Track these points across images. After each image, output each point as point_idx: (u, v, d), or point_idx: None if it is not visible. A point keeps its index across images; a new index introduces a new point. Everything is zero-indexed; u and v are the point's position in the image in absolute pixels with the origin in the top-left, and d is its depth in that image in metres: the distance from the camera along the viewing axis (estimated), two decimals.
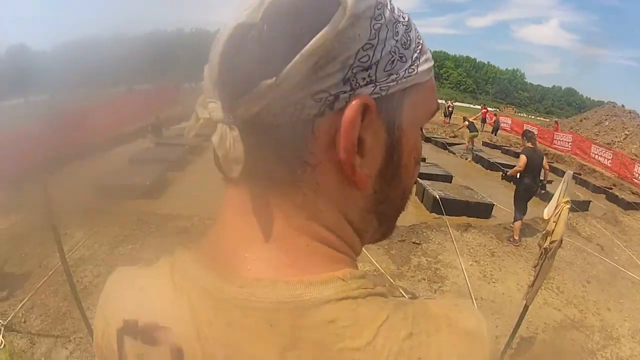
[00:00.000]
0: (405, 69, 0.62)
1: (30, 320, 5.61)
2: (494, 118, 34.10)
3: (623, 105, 37.02)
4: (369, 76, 0.58)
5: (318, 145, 0.59)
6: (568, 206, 5.08)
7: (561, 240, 4.98)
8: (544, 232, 5.22)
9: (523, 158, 9.54)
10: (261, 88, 0.55)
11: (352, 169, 0.60)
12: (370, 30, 0.58)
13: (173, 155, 14.64)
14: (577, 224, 11.84)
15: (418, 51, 0.66)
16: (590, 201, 14.56)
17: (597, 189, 18.11)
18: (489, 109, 39.36)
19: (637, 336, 6.77)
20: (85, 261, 6.99)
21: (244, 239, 0.64)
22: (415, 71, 0.64)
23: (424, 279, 7.57)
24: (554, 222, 5.03)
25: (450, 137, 29.18)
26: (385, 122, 0.63)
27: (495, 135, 31.90)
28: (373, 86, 0.58)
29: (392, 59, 0.60)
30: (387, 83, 0.60)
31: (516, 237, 9.79)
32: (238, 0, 0.60)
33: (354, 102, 0.57)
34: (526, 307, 5.26)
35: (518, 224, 9.88)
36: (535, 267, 5.31)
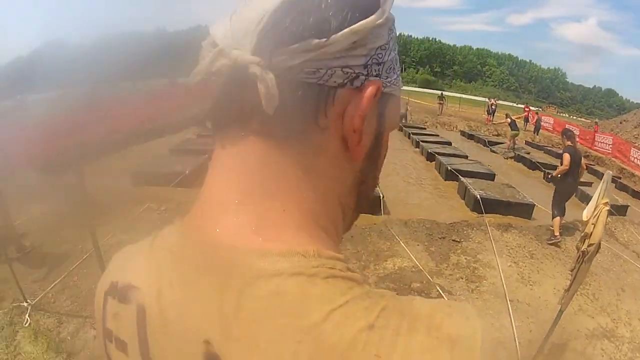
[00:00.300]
0: (395, 78, 0.71)
1: (60, 301, 5.80)
2: (536, 117, 33.54)
3: None
4: (379, 70, 0.67)
5: (333, 112, 0.65)
6: (607, 208, 5.01)
7: (599, 244, 4.90)
8: (582, 234, 5.16)
9: (567, 157, 9.49)
10: (309, 44, 0.60)
11: (359, 137, 0.67)
12: (388, 36, 0.68)
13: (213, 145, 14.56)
14: (615, 228, 11.62)
15: (399, 69, 0.75)
16: (628, 206, 14.26)
17: (636, 194, 17.84)
18: (531, 108, 39.05)
19: None
20: (123, 245, 6.75)
21: (222, 201, 0.68)
22: (399, 83, 0.74)
23: (462, 278, 7.59)
24: (592, 224, 4.96)
25: (493, 135, 29.25)
26: (378, 112, 0.71)
27: (537, 134, 31.56)
28: (379, 80, 0.67)
29: (392, 65, 0.70)
30: (386, 82, 0.69)
31: (557, 234, 9.75)
32: None
33: (375, 82, 0.66)
34: (560, 312, 5.22)
35: (557, 220, 9.84)
36: (572, 270, 5.25)
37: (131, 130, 16.36)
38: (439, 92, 43.06)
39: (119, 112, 17.46)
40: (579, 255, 5.07)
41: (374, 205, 10.17)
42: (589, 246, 4.88)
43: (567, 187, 9.96)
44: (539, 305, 6.97)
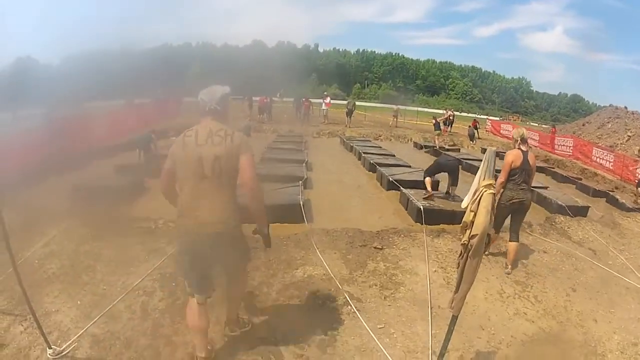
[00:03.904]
0: None
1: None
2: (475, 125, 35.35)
3: (625, 107, 36.59)
4: None
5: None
6: (490, 191, 4.01)
7: (486, 235, 4.04)
8: (461, 224, 4.18)
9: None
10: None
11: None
12: None
13: (157, 164, 14.48)
14: (568, 227, 11.18)
15: None
16: (589, 207, 13.73)
17: (597, 193, 17.68)
18: (477, 118, 41.74)
19: (628, 351, 5.92)
20: (54, 255, 7.39)
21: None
22: None
23: (376, 285, 6.96)
24: (472, 211, 4.04)
25: (449, 145, 29.44)
26: None
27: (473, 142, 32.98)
28: None
29: None
30: None
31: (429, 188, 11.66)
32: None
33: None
34: (454, 318, 4.44)
35: (428, 179, 11.82)
36: (457, 268, 4.31)
37: (84, 149, 17.21)
38: (395, 107, 42.82)
39: (72, 131, 18.32)
40: (461, 250, 4.21)
41: (292, 214, 9.90)
42: (471, 238, 4.02)
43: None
44: (464, 311, 6.02)
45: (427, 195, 11.48)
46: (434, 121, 30.07)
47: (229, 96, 4.47)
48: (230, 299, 5.19)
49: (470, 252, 3.94)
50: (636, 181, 18.65)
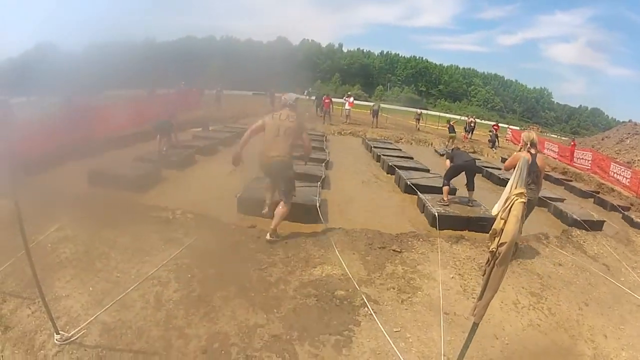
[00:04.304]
0: None
1: (8, 283, 6.05)
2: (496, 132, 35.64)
3: None
4: None
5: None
6: (522, 200, 4.03)
7: (515, 244, 4.17)
8: (490, 231, 4.24)
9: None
10: None
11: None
12: None
13: (178, 156, 15.22)
14: (584, 241, 11.10)
15: None
16: (604, 221, 13.70)
17: (614, 208, 17.60)
18: (500, 125, 41.00)
19: None
20: (68, 240, 7.39)
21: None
22: None
23: (394, 288, 6.97)
24: (502, 219, 4.06)
25: (470, 152, 28.89)
26: None
27: (493, 148, 33.44)
28: None
29: None
30: None
31: (445, 199, 11.72)
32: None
33: None
34: (474, 326, 4.46)
35: (447, 188, 11.89)
36: (483, 275, 4.34)
37: (104, 136, 17.31)
38: (418, 111, 43.50)
39: (93, 118, 18.62)
40: (489, 258, 4.22)
41: (310, 214, 9.98)
42: (499, 246, 4.02)
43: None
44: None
45: (444, 203, 11.54)
46: (448, 125, 31.51)
47: (299, 99, 8.92)
48: (277, 215, 8.26)
49: (498, 259, 3.96)
50: None
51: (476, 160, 12.18)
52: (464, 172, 12.18)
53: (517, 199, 4.00)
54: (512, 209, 3.98)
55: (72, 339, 4.84)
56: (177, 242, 7.61)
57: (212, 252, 7.42)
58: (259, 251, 7.66)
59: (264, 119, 8.20)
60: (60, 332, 4.83)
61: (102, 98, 28.73)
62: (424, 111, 45.62)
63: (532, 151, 8.47)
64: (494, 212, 4.39)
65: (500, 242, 3.95)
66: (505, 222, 3.98)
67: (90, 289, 5.92)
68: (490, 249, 4.09)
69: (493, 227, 4.14)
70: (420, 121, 41.74)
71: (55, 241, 7.24)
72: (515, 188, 4.13)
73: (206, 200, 10.53)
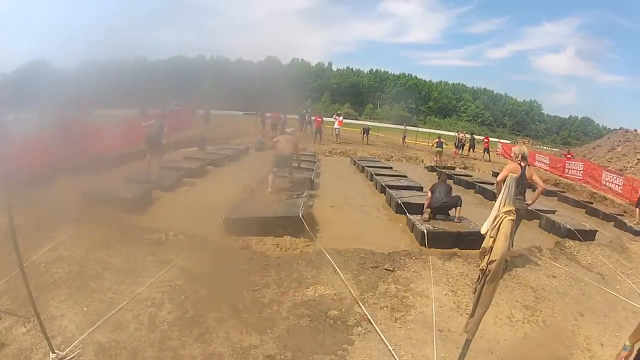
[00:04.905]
0: None
1: (3, 300, 6.11)
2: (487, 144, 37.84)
3: (636, 130, 36.71)
4: None
5: None
6: (511, 217, 4.11)
7: (505, 261, 4.16)
8: (480, 249, 4.29)
9: None
10: None
11: None
12: None
13: (168, 178, 15.18)
14: (578, 252, 11.16)
15: None
16: (597, 230, 13.82)
17: (607, 217, 17.84)
18: (490, 139, 41.48)
19: None
20: (62, 260, 7.42)
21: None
22: None
23: (387, 307, 6.97)
24: (491, 237, 4.13)
25: (460, 167, 29.62)
26: None
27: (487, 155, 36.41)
28: None
29: None
30: None
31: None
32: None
33: None
34: (467, 342, 4.49)
35: None
36: (474, 292, 4.39)
37: (94, 154, 17.41)
38: (403, 127, 44.39)
39: (85, 135, 18.84)
40: (479, 275, 4.29)
41: (294, 226, 10.18)
42: (489, 263, 4.10)
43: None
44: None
45: (424, 216, 11.78)
46: (437, 140, 31.41)
47: (295, 132, 16.47)
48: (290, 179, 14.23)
49: (488, 277, 4.01)
50: (636, 201, 18.63)
51: (458, 197, 12.32)
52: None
53: (505, 217, 4.05)
54: (500, 226, 4.02)
55: (67, 358, 4.87)
56: (170, 263, 7.59)
57: (205, 274, 7.39)
58: (251, 272, 7.63)
59: (278, 138, 14.60)
60: (55, 351, 4.85)
61: (94, 116, 29.12)
62: (412, 128, 46.08)
63: (522, 164, 8.76)
64: (483, 230, 4.43)
65: (490, 259, 3.99)
66: (494, 240, 4.02)
67: (85, 309, 5.93)
68: (481, 267, 4.14)
69: (482, 245, 4.20)
70: (406, 138, 42.04)
71: (49, 260, 7.31)
72: (504, 206, 4.17)
73: (198, 221, 10.50)
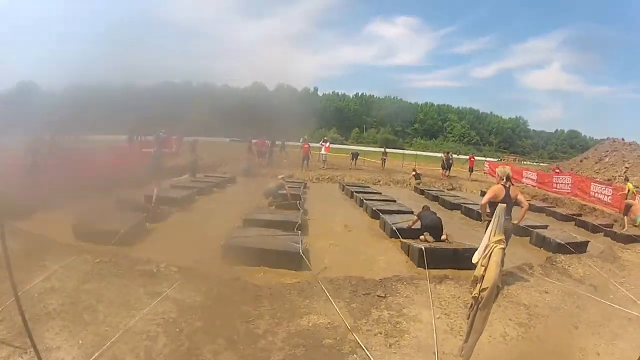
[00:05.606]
0: None
1: None
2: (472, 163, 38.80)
3: (623, 138, 37.14)
4: None
5: None
6: (501, 246, 4.38)
7: (497, 286, 4.45)
8: (472, 278, 4.41)
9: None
10: None
11: None
12: None
13: (156, 207, 15.11)
14: (569, 266, 11.24)
15: None
16: (589, 241, 14.20)
17: (596, 228, 18.09)
18: (475, 158, 42.49)
19: None
20: (55, 291, 7.32)
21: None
22: None
23: (381, 333, 6.94)
24: (482, 266, 4.36)
25: (448, 189, 30.10)
26: None
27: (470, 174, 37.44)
28: None
29: None
30: None
31: None
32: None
33: None
34: None
35: None
36: (467, 319, 4.63)
37: (84, 181, 16.95)
38: (383, 149, 44.90)
39: (78, 163, 19.18)
40: (472, 303, 4.57)
41: (293, 261, 10.12)
42: (481, 291, 4.33)
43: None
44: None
45: (409, 226, 12.93)
46: (414, 172, 31.55)
47: (285, 183, 18.98)
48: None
49: (481, 304, 4.15)
50: (623, 209, 19.07)
51: (440, 219, 12.83)
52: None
53: (496, 246, 4.17)
54: (492, 255, 4.13)
55: None
56: (162, 295, 7.56)
57: (198, 305, 7.36)
58: (244, 303, 7.60)
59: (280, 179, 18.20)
60: None
61: (82, 141, 30.05)
62: (398, 151, 46.31)
63: (507, 184, 8.93)
64: (474, 260, 4.61)
65: (482, 287, 4.10)
66: (485, 268, 4.12)
67: (80, 342, 5.88)
68: (473, 295, 4.28)
69: (474, 274, 4.36)
70: (386, 161, 42.29)
71: (42, 291, 7.23)
72: (494, 235, 4.29)
73: (189, 252, 10.47)
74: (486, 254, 4.25)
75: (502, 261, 4.68)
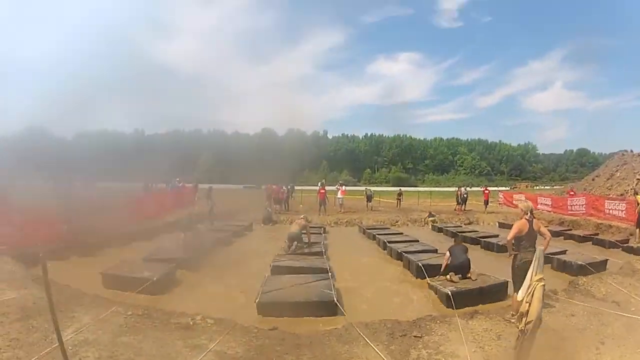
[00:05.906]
0: None
1: None
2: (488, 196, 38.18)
3: (632, 150, 37.27)
4: None
5: None
6: (542, 284, 5.13)
7: (540, 318, 5.05)
8: (518, 314, 5.26)
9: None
10: None
11: None
12: None
13: (185, 255, 15.22)
14: (591, 286, 11.59)
15: None
16: (607, 259, 14.50)
17: (612, 244, 18.66)
18: (489, 189, 41.38)
19: None
20: (89, 344, 7.22)
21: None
22: None
23: None
24: (527, 302, 5.09)
25: (465, 224, 29.88)
26: None
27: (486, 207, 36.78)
28: None
29: None
30: None
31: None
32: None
33: None
34: None
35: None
36: (514, 349, 5.32)
37: (109, 231, 17.61)
38: (398, 189, 46.08)
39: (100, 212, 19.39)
40: (518, 335, 5.26)
41: (328, 309, 10.29)
42: (526, 324, 5.04)
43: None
44: None
45: (442, 273, 12.64)
46: (427, 214, 32.08)
47: (307, 224, 18.48)
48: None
49: (527, 335, 4.95)
50: (636, 221, 19.35)
51: (469, 260, 12.67)
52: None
53: (538, 284, 4.84)
54: (535, 292, 4.80)
55: None
56: (203, 348, 7.58)
57: (241, 357, 7.45)
58: (286, 353, 7.67)
59: (302, 218, 18.11)
60: None
61: (98, 190, 30.63)
62: (411, 189, 46.30)
63: (530, 218, 9.47)
64: (519, 298, 5.28)
65: (527, 321, 4.77)
66: (529, 304, 4.75)
67: None
68: (520, 328, 4.97)
69: (520, 310, 5.17)
70: (402, 200, 43.15)
71: (76, 344, 7.16)
72: (535, 275, 4.98)
73: (221, 303, 10.80)
74: (529, 292, 4.88)
75: (543, 296, 5.24)
